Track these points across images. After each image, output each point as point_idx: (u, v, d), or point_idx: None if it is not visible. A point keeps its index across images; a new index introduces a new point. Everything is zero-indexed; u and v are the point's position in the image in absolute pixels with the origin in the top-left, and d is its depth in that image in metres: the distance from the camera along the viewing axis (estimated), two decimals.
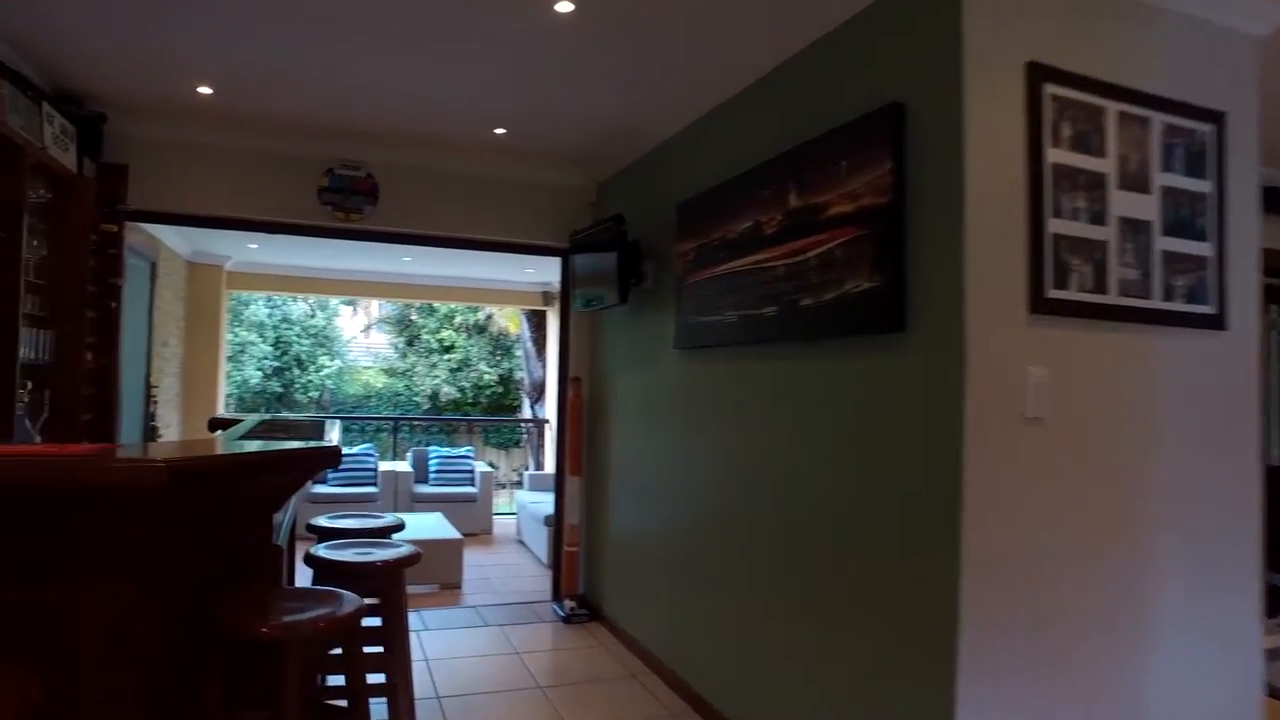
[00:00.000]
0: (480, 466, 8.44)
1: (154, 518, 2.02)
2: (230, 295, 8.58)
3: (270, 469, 2.15)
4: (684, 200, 3.67)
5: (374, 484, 7.95)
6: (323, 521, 3.17)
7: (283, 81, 3.70)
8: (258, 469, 2.10)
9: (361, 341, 16.94)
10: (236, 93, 3.83)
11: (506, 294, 9.73)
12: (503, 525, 8.27)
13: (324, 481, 7.92)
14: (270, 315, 15.43)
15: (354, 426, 9.74)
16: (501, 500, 9.27)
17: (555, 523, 5.11)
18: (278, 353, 15.68)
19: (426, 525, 6.28)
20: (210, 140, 4.29)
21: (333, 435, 2.66)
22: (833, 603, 2.62)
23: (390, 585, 2.65)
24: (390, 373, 16.64)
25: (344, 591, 2.16)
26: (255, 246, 6.90)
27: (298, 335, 15.87)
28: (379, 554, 2.70)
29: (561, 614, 4.76)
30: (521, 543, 7.56)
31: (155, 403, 5.08)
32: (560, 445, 5.11)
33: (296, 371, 15.91)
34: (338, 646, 2.30)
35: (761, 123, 3.20)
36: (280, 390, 15.78)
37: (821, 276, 2.66)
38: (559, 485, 5.09)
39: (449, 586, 5.78)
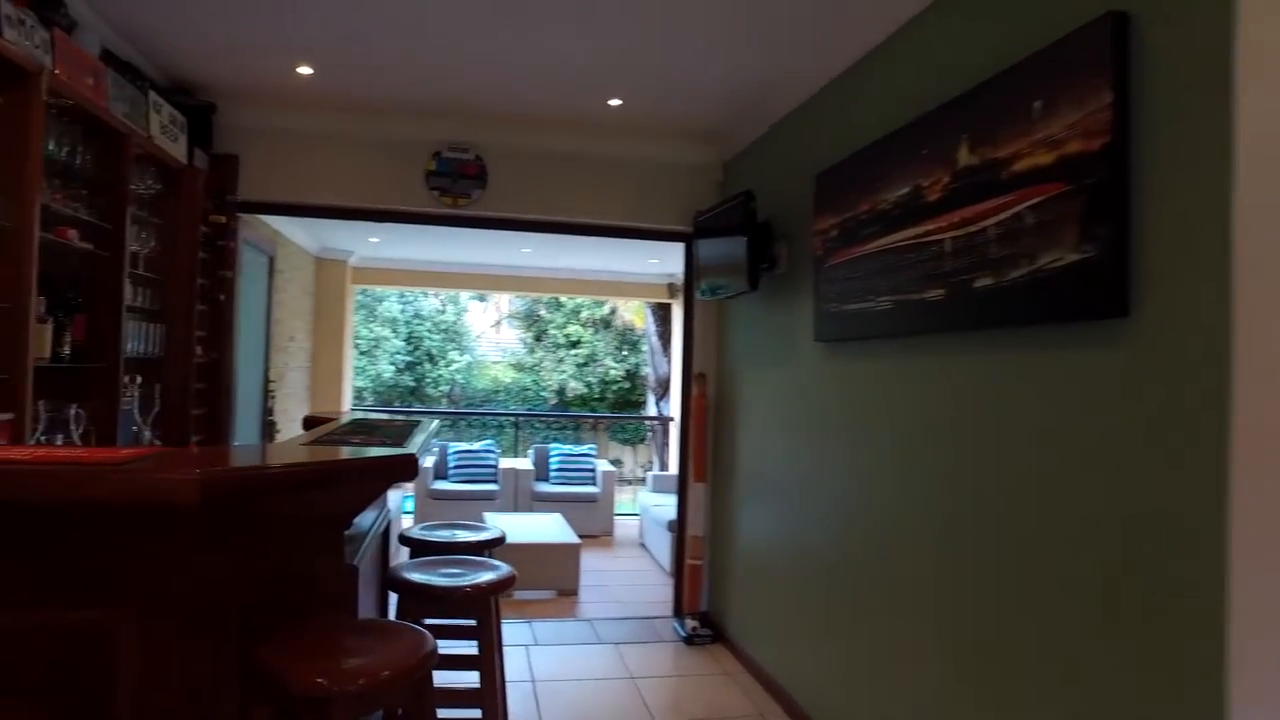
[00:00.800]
0: (602, 465, 8.15)
1: (192, 537, 1.74)
2: (358, 290, 8.70)
3: (332, 481, 1.83)
4: (823, 170, 3.15)
5: (494, 480, 7.81)
6: (416, 533, 2.88)
7: (383, 57, 3.45)
8: (315, 482, 1.78)
9: (491, 337, 17.17)
10: (337, 72, 3.63)
11: (630, 286, 9.41)
12: (625, 527, 7.95)
13: (445, 478, 7.86)
14: (403, 311, 15.86)
15: (476, 422, 9.69)
16: (625, 497, 8.95)
17: (677, 533, 4.70)
18: (410, 348, 16.11)
19: (544, 528, 6.02)
20: (316, 127, 4.13)
21: (417, 439, 2.35)
22: (1034, 654, 2.06)
23: (481, 613, 2.31)
24: (518, 368, 16.80)
25: (417, 629, 1.81)
26: (376, 240, 6.86)
27: (429, 331, 16.25)
28: (470, 577, 2.36)
29: (682, 634, 4.34)
30: (644, 546, 7.21)
31: (273, 398, 5.04)
32: (683, 448, 4.69)
33: (428, 366, 16.31)
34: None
35: (919, 67, 2.64)
36: (413, 385, 16.22)
37: (1005, 249, 2.10)
38: (681, 492, 4.66)
39: (565, 593, 5.48)
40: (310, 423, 3.12)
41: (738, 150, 4.33)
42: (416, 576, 2.31)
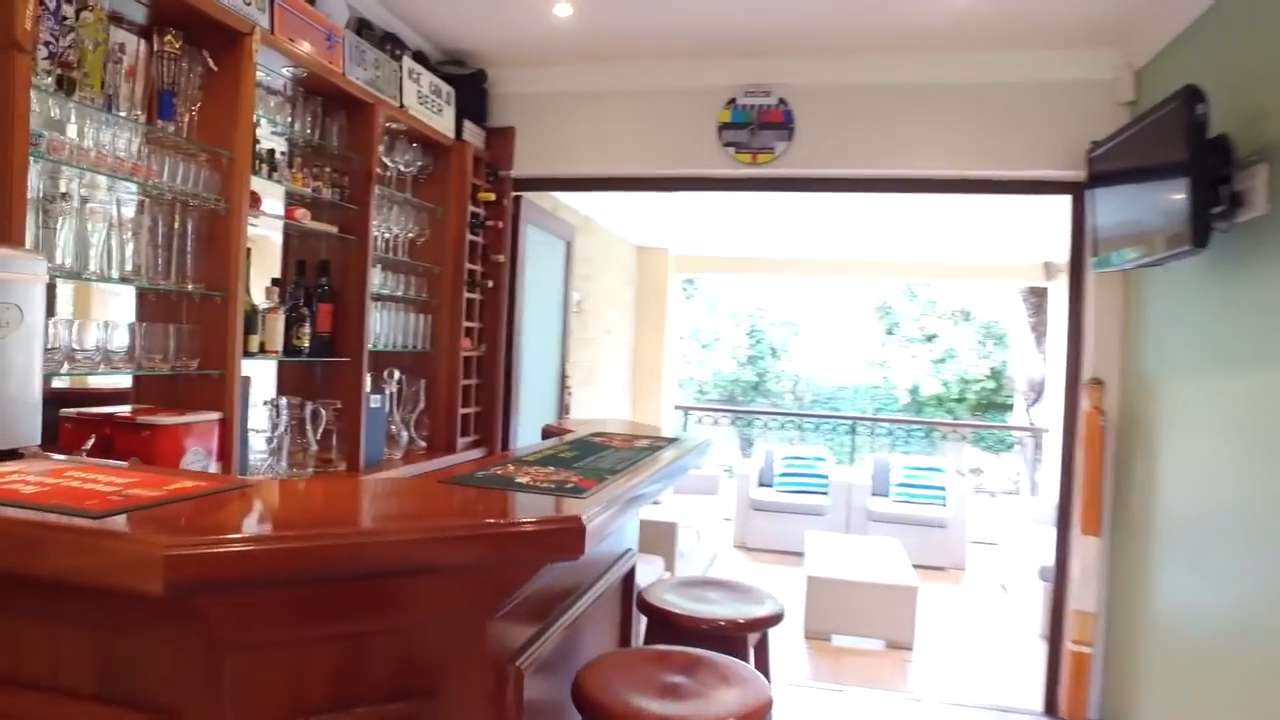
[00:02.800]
0: (955, 483, 6.75)
1: (227, 625, 1.12)
2: (688, 280, 8.27)
3: (395, 570, 1.10)
4: None
5: (825, 493, 6.86)
6: (661, 597, 2.09)
7: None
8: (366, 570, 1.07)
9: (838, 330, 16.02)
10: (599, 7, 2.99)
11: (995, 268, 7.75)
12: (981, 559, 6.50)
13: (769, 484, 7.09)
14: (744, 303, 15.46)
15: (807, 424, 8.76)
16: (982, 510, 7.36)
17: (1052, 601, 3.35)
18: (752, 341, 15.67)
19: (875, 559, 4.96)
20: (590, 85, 3.58)
21: (633, 477, 1.56)
22: None
23: None
24: (868, 364, 15.50)
25: None
26: (694, 222, 6.29)
27: (772, 323, 15.66)
28: (701, 704, 1.50)
29: None
30: (1004, 589, 5.74)
31: (570, 394, 4.67)
32: (1064, 485, 3.33)
33: (770, 361, 15.74)
34: None
35: None
36: (755, 380, 15.78)
37: None
38: (1060, 546, 3.30)
39: (896, 646, 4.39)
40: (546, 434, 2.51)
41: (1162, 45, 2.88)
42: (620, 694, 1.52)
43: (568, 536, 1.16)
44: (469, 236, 3.40)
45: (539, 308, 4.25)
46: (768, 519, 6.79)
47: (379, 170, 3.11)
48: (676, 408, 8.18)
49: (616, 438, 2.21)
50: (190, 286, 2.21)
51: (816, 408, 14.86)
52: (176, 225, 2.14)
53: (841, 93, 3.37)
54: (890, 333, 15.45)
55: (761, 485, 7.14)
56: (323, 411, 2.72)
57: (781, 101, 3.40)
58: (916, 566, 5.83)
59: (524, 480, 1.45)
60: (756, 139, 3.43)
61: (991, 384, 14.59)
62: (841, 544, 5.47)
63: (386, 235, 3.11)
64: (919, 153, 3.35)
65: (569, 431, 2.41)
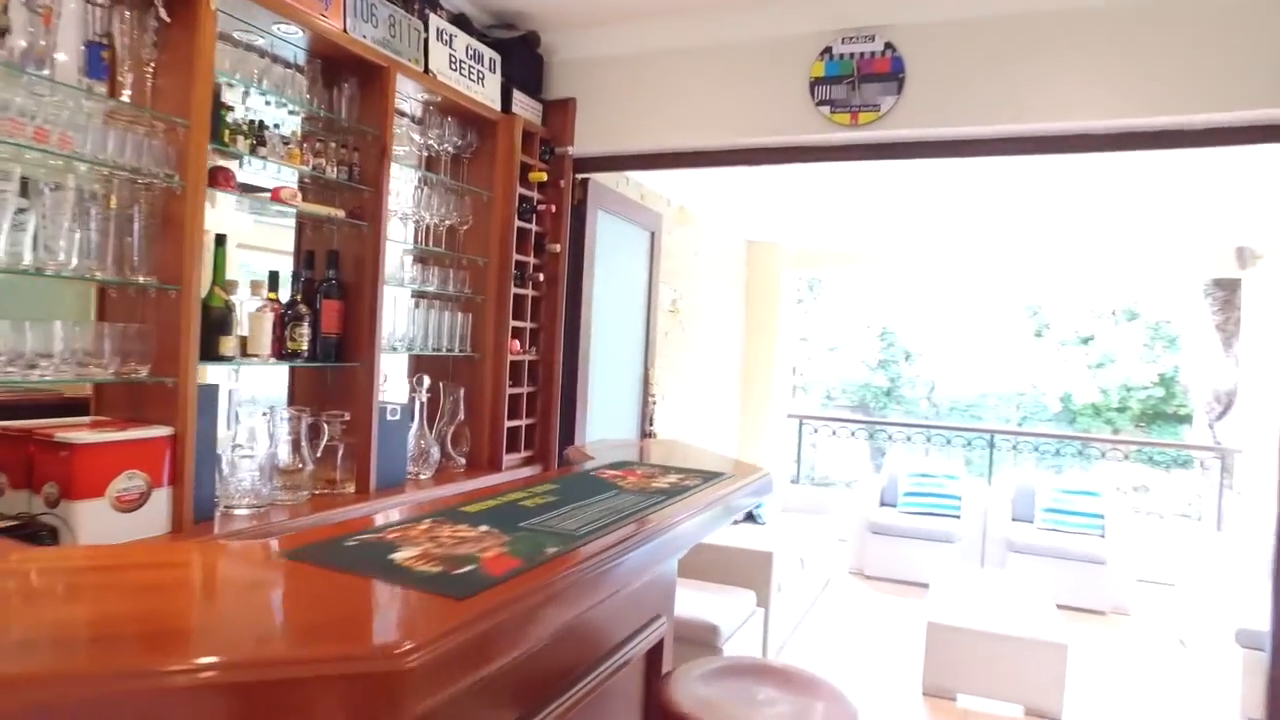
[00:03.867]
0: (1116, 509, 5.73)
1: None
2: (814, 279, 7.55)
3: None
4: None
5: (956, 516, 6.00)
6: (695, 695, 1.53)
7: None
8: None
9: (977, 331, 14.72)
10: None
11: (1168, 257, 6.58)
12: (1150, 600, 5.47)
13: (893, 504, 6.29)
14: (874, 303, 14.45)
15: (939, 436, 7.82)
16: (1150, 531, 6.24)
17: (1270, 692, 2.50)
18: (884, 345, 14.64)
19: (1013, 604, 4.15)
20: (657, 45, 3.05)
21: (648, 525, 1.02)
22: None
23: None
24: (1013, 368, 14.13)
25: None
26: (804, 210, 5.62)
27: (904, 325, 14.56)
28: None
29: None
30: (1183, 645, 4.75)
31: (653, 402, 4.15)
32: None
33: (902, 365, 14.65)
34: None
35: None
36: (886, 386, 14.73)
37: None
38: (1279, 616, 2.47)
39: (1039, 714, 3.62)
40: (565, 461, 2.01)
41: None
42: None
43: (366, 688, 0.65)
44: (518, 223, 2.95)
45: (616, 306, 3.76)
46: (888, 544, 6.01)
47: (418, 151, 2.73)
48: (790, 417, 7.49)
49: (636, 471, 1.67)
50: (142, 279, 1.85)
51: (954, 416, 13.66)
52: (115, 205, 1.79)
53: (966, 29, 2.68)
54: (1039, 334, 14.03)
55: (884, 505, 6.36)
56: (324, 425, 2.34)
57: (888, 47, 2.75)
58: (1067, 608, 4.95)
59: (407, 555, 0.94)
60: (857, 95, 2.80)
61: (1160, 392, 12.93)
62: (974, 579, 4.68)
63: (423, 223, 2.72)
64: (1070, 100, 2.61)
65: (591, 458, 1.90)
